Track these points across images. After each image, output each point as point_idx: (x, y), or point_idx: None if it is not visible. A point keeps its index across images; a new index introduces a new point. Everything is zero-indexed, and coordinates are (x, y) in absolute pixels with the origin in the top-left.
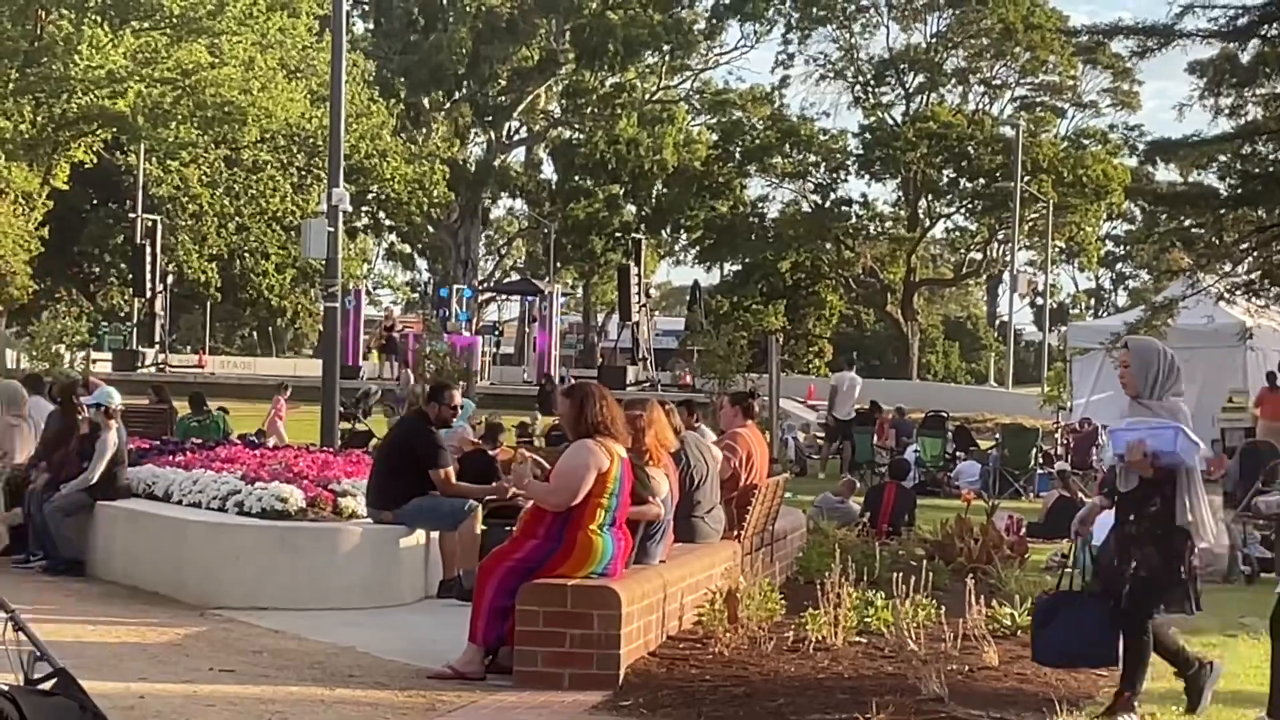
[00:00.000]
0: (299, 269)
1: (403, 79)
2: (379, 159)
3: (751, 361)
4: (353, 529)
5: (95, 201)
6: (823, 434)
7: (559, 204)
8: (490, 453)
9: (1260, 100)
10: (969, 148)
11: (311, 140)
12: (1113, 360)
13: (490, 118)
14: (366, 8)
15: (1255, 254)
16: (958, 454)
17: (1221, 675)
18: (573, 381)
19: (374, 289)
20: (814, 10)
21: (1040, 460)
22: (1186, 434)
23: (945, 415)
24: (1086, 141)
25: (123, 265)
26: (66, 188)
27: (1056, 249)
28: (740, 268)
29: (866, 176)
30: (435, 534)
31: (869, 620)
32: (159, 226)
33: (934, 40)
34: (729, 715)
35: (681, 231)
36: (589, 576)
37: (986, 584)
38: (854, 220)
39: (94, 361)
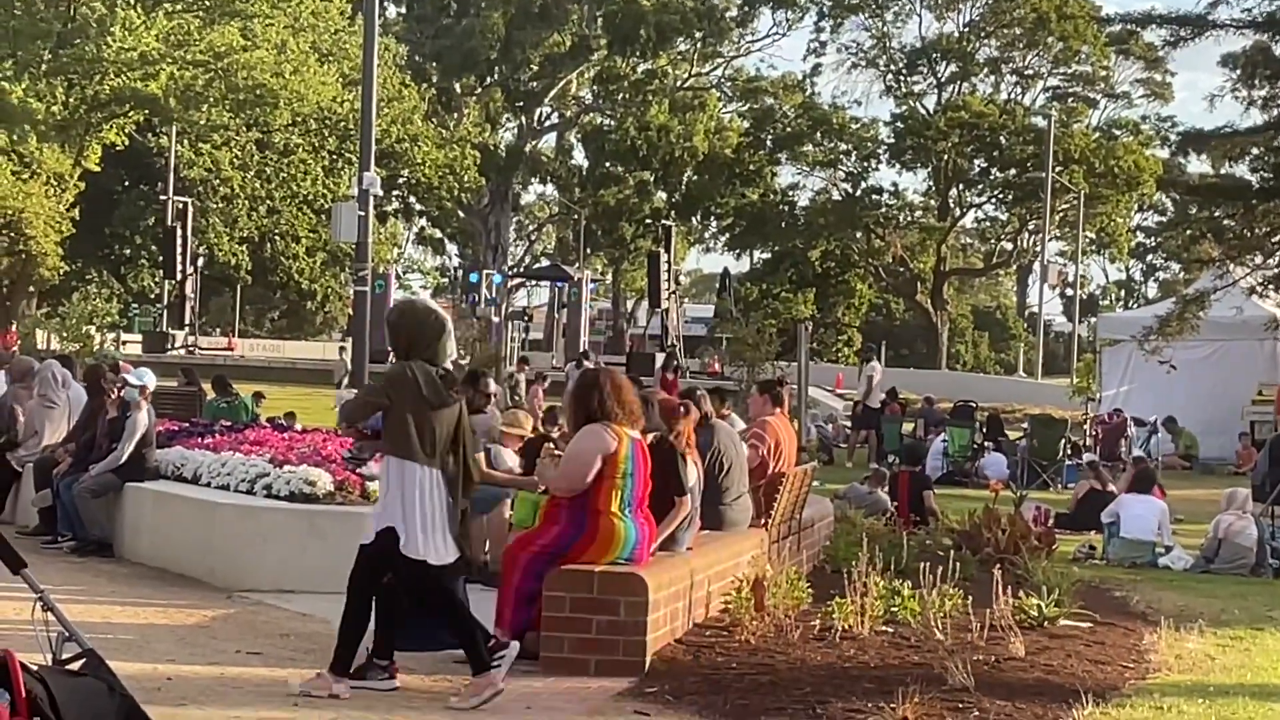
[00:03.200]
0: (329, 252)
1: (435, 64)
2: (410, 143)
3: (780, 350)
4: None
5: (127, 183)
6: (849, 423)
7: (589, 190)
8: (553, 436)
9: None
10: (1000, 138)
11: (343, 124)
12: (1143, 354)
13: (522, 103)
14: None
15: None
16: (986, 444)
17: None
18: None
19: (404, 273)
20: None
21: (1069, 451)
22: None
23: (974, 405)
24: (1118, 132)
25: (153, 247)
26: (98, 169)
27: (1087, 240)
28: (770, 255)
29: (897, 165)
30: None
31: (896, 610)
32: (190, 209)
33: (966, 29)
34: (755, 703)
35: (712, 219)
36: (615, 562)
37: (1014, 575)
38: (884, 209)
39: (124, 343)
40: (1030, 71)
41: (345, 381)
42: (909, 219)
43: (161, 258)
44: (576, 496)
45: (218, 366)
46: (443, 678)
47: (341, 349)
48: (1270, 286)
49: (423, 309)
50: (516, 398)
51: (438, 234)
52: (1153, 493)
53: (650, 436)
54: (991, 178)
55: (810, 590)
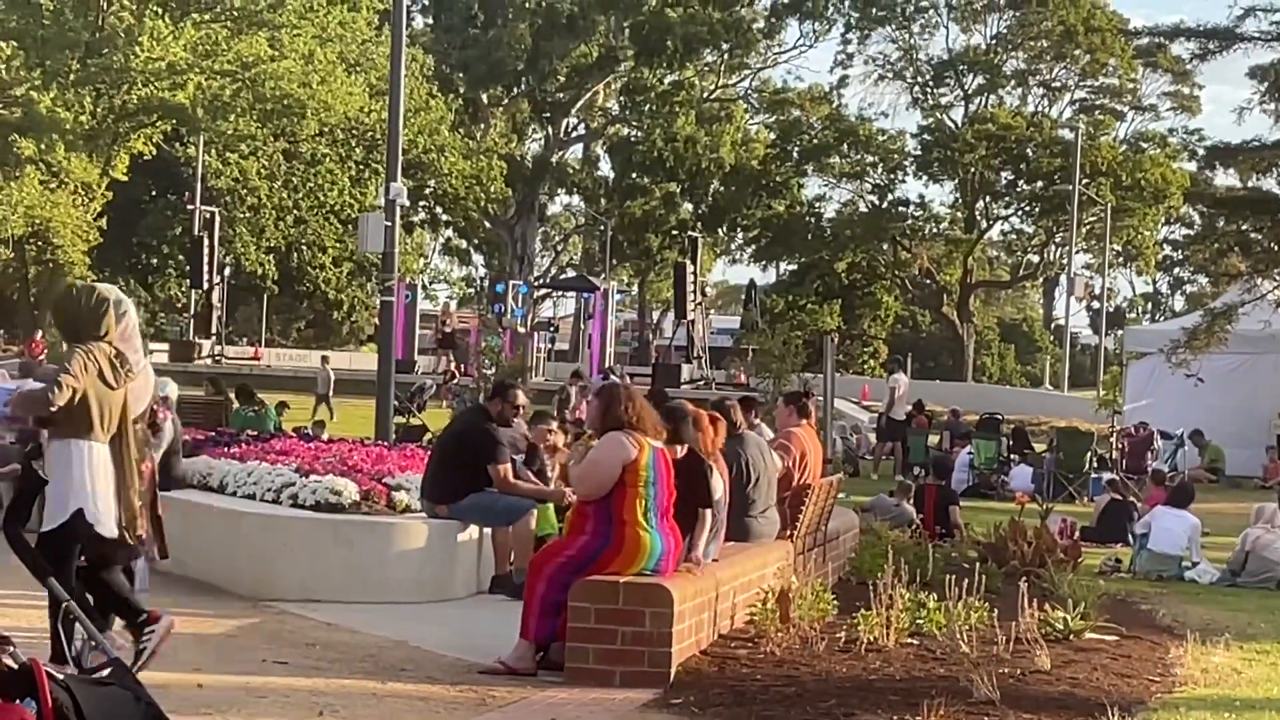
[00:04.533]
0: (356, 262)
1: (462, 74)
2: (437, 154)
3: (806, 361)
4: (406, 523)
5: (154, 193)
6: (874, 434)
7: (616, 201)
8: (545, 444)
9: None
10: (1027, 150)
11: (370, 134)
12: (1170, 366)
13: (548, 114)
14: (426, 3)
15: None
16: (1012, 457)
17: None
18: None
19: (430, 284)
20: (873, 10)
21: (1095, 464)
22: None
23: (1000, 418)
24: (1145, 145)
25: (180, 257)
26: (126, 179)
27: (1114, 252)
28: (796, 267)
29: (924, 177)
30: (488, 529)
31: (921, 622)
32: (217, 218)
33: (994, 42)
34: (779, 715)
35: (738, 230)
36: (640, 573)
37: (1039, 587)
38: (911, 221)
39: (151, 352)
40: (1057, 84)
41: (330, 391)
42: (935, 231)
43: (188, 267)
44: (601, 506)
45: (244, 376)
46: (468, 688)
47: (324, 359)
48: None
49: (84, 291)
50: (566, 410)
51: (464, 244)
52: (1188, 509)
53: (682, 449)
54: (1018, 190)
55: (835, 602)
